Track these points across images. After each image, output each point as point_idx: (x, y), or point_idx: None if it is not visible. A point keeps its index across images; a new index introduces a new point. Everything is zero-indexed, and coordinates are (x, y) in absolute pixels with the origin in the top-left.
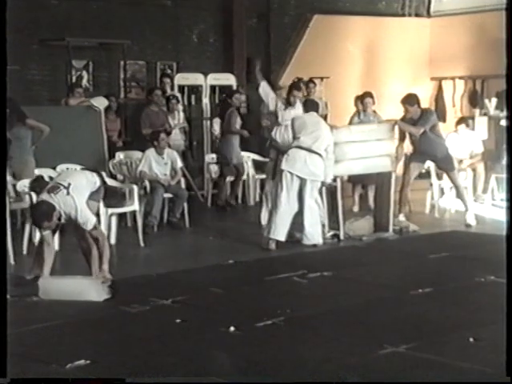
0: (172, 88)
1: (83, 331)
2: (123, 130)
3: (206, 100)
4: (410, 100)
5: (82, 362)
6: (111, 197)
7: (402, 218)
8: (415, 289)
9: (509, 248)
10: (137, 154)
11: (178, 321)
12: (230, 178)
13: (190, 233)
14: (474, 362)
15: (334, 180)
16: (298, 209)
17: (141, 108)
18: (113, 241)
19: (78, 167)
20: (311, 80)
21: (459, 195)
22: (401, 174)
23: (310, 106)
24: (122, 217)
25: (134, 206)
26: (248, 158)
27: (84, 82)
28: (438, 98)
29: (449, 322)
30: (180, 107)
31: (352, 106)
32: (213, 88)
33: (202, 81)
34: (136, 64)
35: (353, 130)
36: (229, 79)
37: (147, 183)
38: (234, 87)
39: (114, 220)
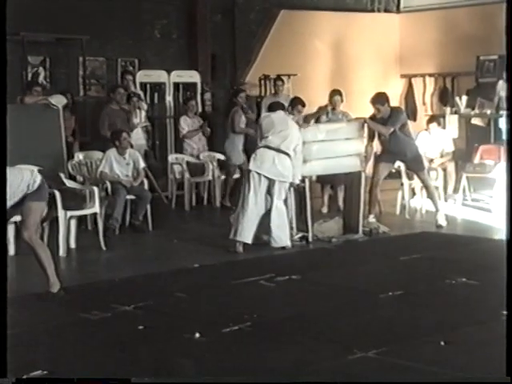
0: (134, 86)
1: (41, 340)
2: (80, 130)
3: (169, 98)
4: (380, 99)
5: (39, 372)
6: (70, 199)
7: (372, 219)
8: (385, 292)
9: (509, 249)
10: (97, 155)
11: (140, 327)
12: (236, 176)
13: (154, 236)
14: (446, 366)
15: (303, 180)
16: (266, 210)
17: (101, 106)
18: (73, 245)
19: (35, 168)
20: (278, 77)
21: (430, 195)
22: (370, 174)
23: (277, 104)
24: (81, 219)
25: (95, 208)
26: (213, 158)
27: (41, 78)
28: (408, 95)
29: (420, 325)
30: (144, 105)
31: (320, 103)
32: (176, 85)
33: (166, 78)
34: (96, 60)
35: (321, 129)
36: (193, 76)
37: (108, 184)
38: (199, 85)
39: (73, 223)
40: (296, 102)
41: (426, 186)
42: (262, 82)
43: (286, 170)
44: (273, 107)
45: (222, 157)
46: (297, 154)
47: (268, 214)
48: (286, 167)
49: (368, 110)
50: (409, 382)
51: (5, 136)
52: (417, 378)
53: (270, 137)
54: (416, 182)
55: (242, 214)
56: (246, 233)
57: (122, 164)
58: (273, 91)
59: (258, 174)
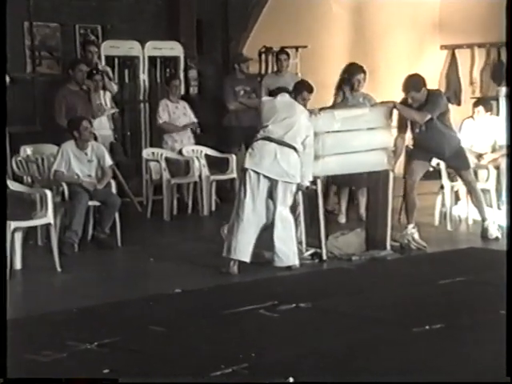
0: (99, 60)
1: None
2: (27, 116)
3: (143, 76)
4: (415, 84)
5: None
6: (15, 206)
7: (411, 229)
8: (421, 325)
9: (509, 248)
10: (50, 149)
11: (105, 371)
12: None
13: (124, 253)
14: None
15: (314, 182)
16: (267, 220)
17: (55, 87)
18: (18, 265)
19: None
20: (283, 50)
21: (476, 201)
22: (400, 174)
23: (279, 89)
24: (30, 232)
25: (48, 217)
26: (200, 153)
27: None
28: (450, 72)
29: (466, 367)
30: (114, 86)
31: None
32: (153, 60)
33: (139, 51)
34: (47, 27)
35: (337, 117)
36: (174, 49)
37: (65, 187)
38: (181, 59)
39: (18, 237)
40: (301, 87)
41: (471, 190)
42: (263, 56)
43: (291, 168)
44: (275, 90)
45: (211, 152)
46: (306, 149)
47: (270, 225)
48: (292, 164)
49: (398, 93)
50: (409, 382)
51: (4, 135)
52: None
53: (270, 126)
54: (460, 184)
55: (237, 224)
56: (243, 249)
57: (83, 161)
58: (275, 68)
59: (257, 173)
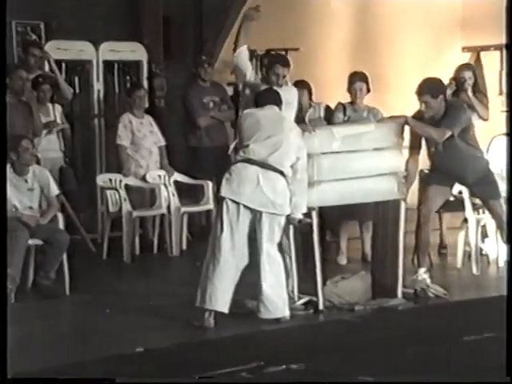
0: (45, 65)
1: None
2: None
3: (98, 85)
4: (432, 88)
5: None
6: None
7: (422, 274)
8: None
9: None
10: None
11: None
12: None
13: (73, 303)
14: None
15: (308, 214)
16: (250, 261)
17: None
18: None
19: None
20: (269, 53)
21: (507, 238)
22: (415, 204)
23: (267, 96)
24: None
25: None
26: (168, 179)
27: None
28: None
29: None
30: (68, 93)
31: (336, 93)
32: (109, 65)
33: (92, 54)
34: None
35: (336, 134)
36: (135, 51)
37: None
38: (145, 65)
39: None
40: (272, 59)
41: (501, 224)
42: None
43: (278, 196)
44: (260, 100)
45: (182, 178)
46: (297, 174)
47: (255, 267)
48: (279, 192)
49: (411, 106)
50: (409, 382)
51: (5, 135)
52: None
53: (251, 145)
54: (488, 218)
55: (213, 267)
56: (220, 297)
57: (22, 190)
58: (260, 75)
59: (236, 202)
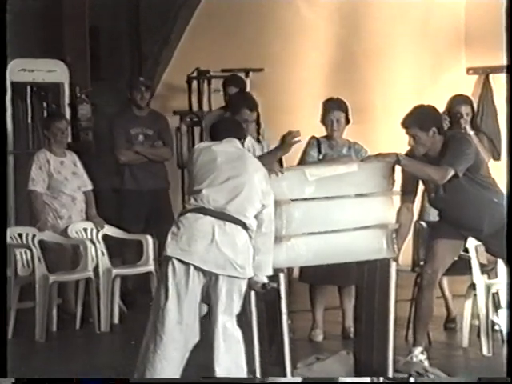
0: None
1: None
2: None
3: (8, 113)
4: (422, 118)
5: None
6: None
7: (419, 355)
8: None
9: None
10: None
11: None
12: None
13: None
14: None
15: (275, 277)
16: (201, 337)
17: None
18: None
19: None
20: (227, 80)
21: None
22: (408, 265)
23: (226, 126)
24: None
25: None
26: (96, 233)
27: None
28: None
29: None
30: None
31: (308, 125)
32: (20, 89)
33: None
34: None
35: (310, 177)
36: (55, 71)
37: None
38: (66, 88)
39: None
40: (238, 102)
41: None
42: (194, 83)
43: (239, 255)
44: (218, 131)
45: (114, 231)
46: (263, 226)
47: (208, 344)
48: (240, 250)
49: (403, 141)
50: (409, 382)
51: (5, 136)
52: None
53: (205, 190)
54: (502, 282)
55: (155, 345)
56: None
57: None
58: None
59: (184, 263)
